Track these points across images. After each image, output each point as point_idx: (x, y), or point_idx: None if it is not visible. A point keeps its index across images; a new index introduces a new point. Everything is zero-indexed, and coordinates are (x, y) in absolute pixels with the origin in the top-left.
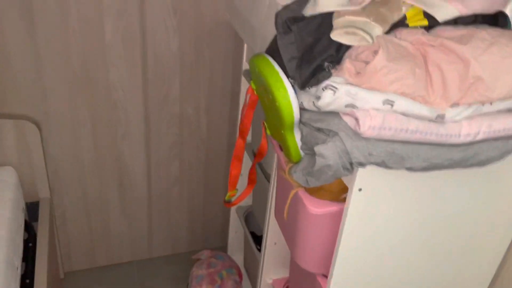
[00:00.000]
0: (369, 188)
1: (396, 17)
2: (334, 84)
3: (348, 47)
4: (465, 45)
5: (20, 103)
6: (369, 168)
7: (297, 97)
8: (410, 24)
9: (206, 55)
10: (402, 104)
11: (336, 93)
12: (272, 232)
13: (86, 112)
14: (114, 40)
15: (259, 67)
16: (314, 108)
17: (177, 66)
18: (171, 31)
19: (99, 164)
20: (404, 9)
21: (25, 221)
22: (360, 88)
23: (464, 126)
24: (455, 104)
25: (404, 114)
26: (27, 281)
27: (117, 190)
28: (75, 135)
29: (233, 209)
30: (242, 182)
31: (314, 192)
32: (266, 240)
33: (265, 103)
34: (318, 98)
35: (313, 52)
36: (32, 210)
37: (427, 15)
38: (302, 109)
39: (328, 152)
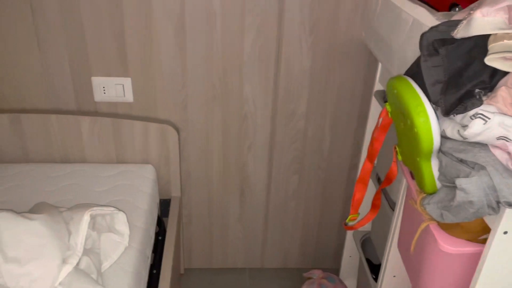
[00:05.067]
0: None
1: None
2: (485, 113)
3: (504, 73)
4: None
5: (165, 109)
6: None
7: (439, 124)
8: None
9: (337, 74)
10: None
11: (487, 123)
12: (392, 264)
13: (219, 121)
14: (251, 56)
15: (398, 89)
16: (458, 137)
17: (306, 83)
18: (305, 49)
19: (225, 171)
20: None
21: (157, 216)
22: None
23: None
24: None
25: None
26: (154, 271)
27: (238, 198)
28: (207, 141)
29: (349, 232)
30: (363, 206)
31: (448, 228)
32: (384, 272)
33: (400, 128)
34: (465, 127)
35: (462, 77)
36: (164, 207)
37: None
38: (443, 137)
39: (472, 187)
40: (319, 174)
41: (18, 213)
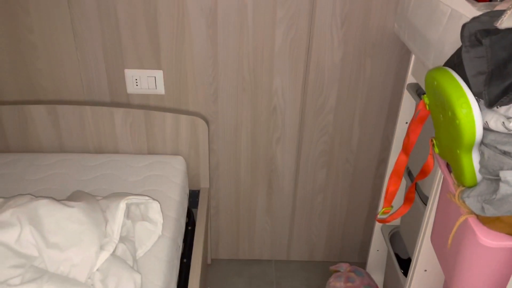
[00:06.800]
0: None
1: None
2: None
3: None
4: None
5: (196, 102)
6: None
7: (482, 116)
8: None
9: (368, 67)
10: None
11: None
12: (423, 258)
13: (248, 114)
14: (281, 49)
15: (438, 81)
16: (502, 129)
17: (336, 76)
18: (336, 42)
19: (253, 163)
20: None
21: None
22: None
23: None
24: None
25: None
26: (184, 260)
27: (266, 190)
28: (236, 134)
29: (377, 226)
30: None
31: (487, 221)
32: (415, 266)
33: (439, 120)
34: (510, 119)
35: (507, 68)
36: (193, 198)
37: None
38: (486, 129)
39: None
40: (347, 168)
41: (58, 200)
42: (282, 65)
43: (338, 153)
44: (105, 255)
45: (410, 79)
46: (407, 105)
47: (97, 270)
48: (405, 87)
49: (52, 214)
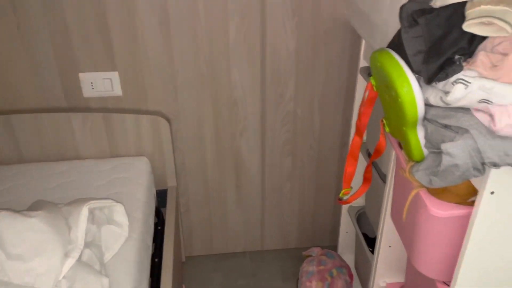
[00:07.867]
0: (502, 191)
1: None
2: (466, 78)
3: (482, 39)
4: None
5: (155, 100)
6: (504, 170)
7: (422, 93)
8: None
9: (322, 54)
10: None
11: (468, 87)
12: (387, 234)
13: (210, 109)
14: (236, 42)
15: (381, 62)
16: (441, 104)
17: (293, 65)
18: (289, 32)
19: (219, 157)
20: None
21: (156, 207)
22: (497, 82)
23: None
24: None
25: None
26: (156, 259)
27: (235, 183)
28: (199, 130)
29: (344, 208)
30: (356, 181)
31: (438, 193)
32: (380, 243)
33: (386, 100)
34: (447, 93)
35: (442, 45)
36: (161, 197)
37: None
38: (427, 105)
39: (457, 151)
40: (311, 154)
41: (17, 211)
42: (238, 57)
43: (301, 141)
44: (70, 262)
45: (362, 63)
46: (362, 89)
47: (63, 277)
48: (358, 71)
49: (11, 226)
